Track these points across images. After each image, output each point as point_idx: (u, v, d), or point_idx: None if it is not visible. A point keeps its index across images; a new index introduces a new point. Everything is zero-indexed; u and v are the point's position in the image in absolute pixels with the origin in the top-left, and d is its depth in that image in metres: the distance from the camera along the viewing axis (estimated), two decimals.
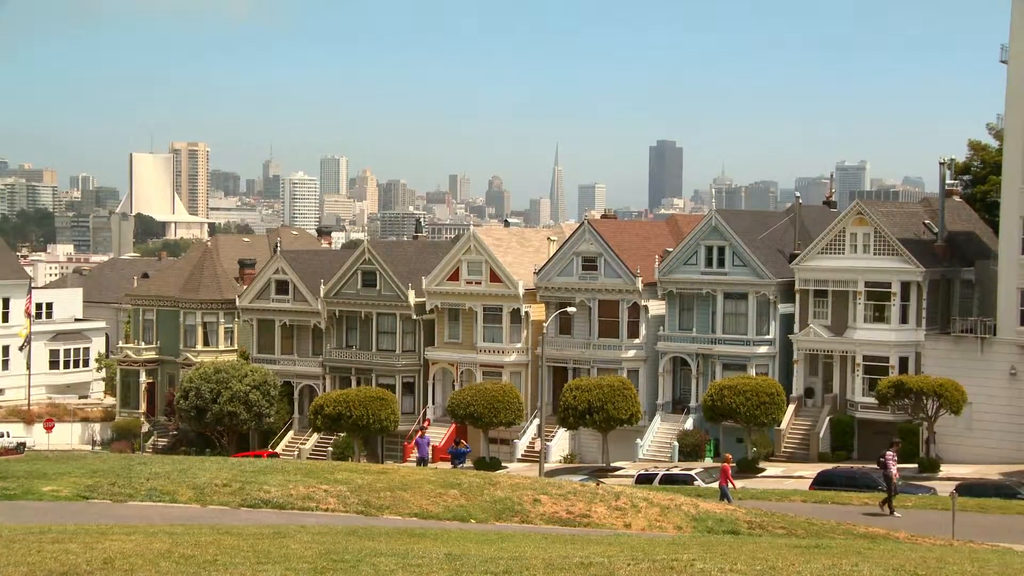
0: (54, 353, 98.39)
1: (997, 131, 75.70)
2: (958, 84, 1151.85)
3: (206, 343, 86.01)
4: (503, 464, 66.66)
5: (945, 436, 59.07)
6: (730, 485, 41.60)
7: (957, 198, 74.94)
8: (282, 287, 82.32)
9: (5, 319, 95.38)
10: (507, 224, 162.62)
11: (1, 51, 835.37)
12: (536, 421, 69.08)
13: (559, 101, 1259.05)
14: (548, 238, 79.71)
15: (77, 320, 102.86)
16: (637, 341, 71.26)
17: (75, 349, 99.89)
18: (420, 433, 56.54)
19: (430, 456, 55.85)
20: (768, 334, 67.96)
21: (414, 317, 76.58)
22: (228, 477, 30.37)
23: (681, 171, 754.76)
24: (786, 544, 23.09)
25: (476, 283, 74.86)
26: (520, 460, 69.84)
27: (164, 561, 16.26)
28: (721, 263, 68.93)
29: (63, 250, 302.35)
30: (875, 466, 42.91)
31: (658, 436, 68.88)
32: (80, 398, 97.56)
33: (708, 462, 64.80)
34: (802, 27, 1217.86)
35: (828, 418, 65.06)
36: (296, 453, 76.06)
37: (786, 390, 64.85)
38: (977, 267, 66.89)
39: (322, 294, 79.33)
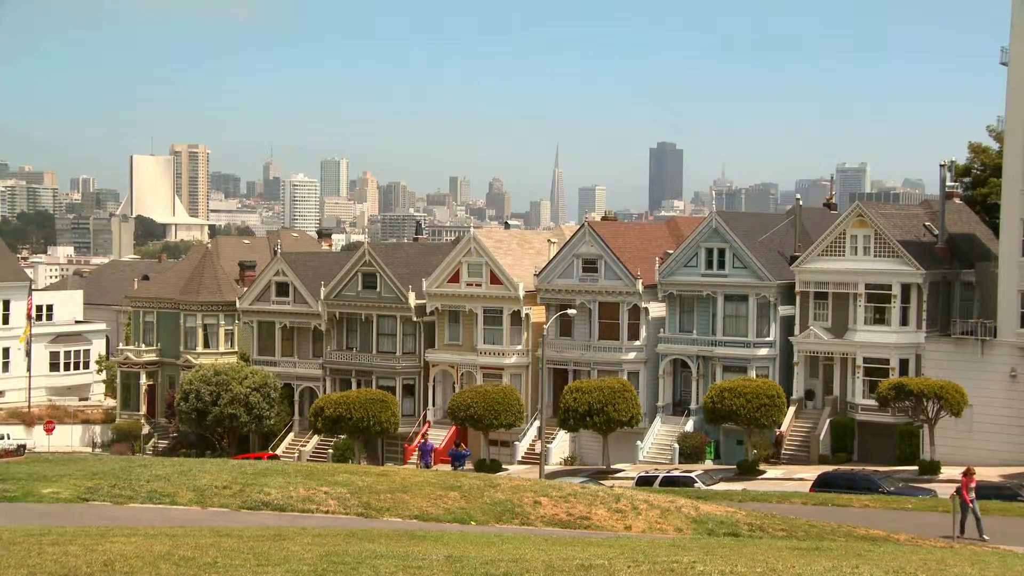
0: (54, 355, 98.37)
1: (997, 133, 75.66)
2: (958, 86, 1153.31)
3: (206, 345, 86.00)
4: (503, 466, 66.62)
5: (945, 438, 59.01)
6: (971, 501, 36.03)
7: (957, 200, 74.92)
8: (282, 289, 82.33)
9: (6, 321, 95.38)
10: (507, 226, 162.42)
11: (1, 52, 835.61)
12: (536, 423, 69.05)
13: (559, 102, 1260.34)
14: (548, 240, 79.68)
15: (77, 322, 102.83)
16: (637, 343, 71.23)
17: (75, 351, 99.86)
18: (424, 439, 56.66)
19: (432, 462, 55.94)
20: (768, 336, 67.95)
21: (414, 319, 76.57)
22: (228, 479, 30.36)
23: (681, 173, 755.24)
24: (786, 546, 23.08)
25: (476, 285, 74.85)
26: (520, 462, 69.80)
27: (164, 563, 16.25)
28: (721, 265, 68.92)
29: (63, 252, 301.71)
30: (875, 468, 42.76)
31: (658, 438, 68.86)
32: (80, 400, 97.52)
33: (709, 464, 64.87)
34: (803, 29, 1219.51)
35: (828, 420, 65.04)
36: (296, 455, 76.03)
37: (786, 392, 64.78)
38: (977, 269, 66.89)
39: (322, 296, 79.32)
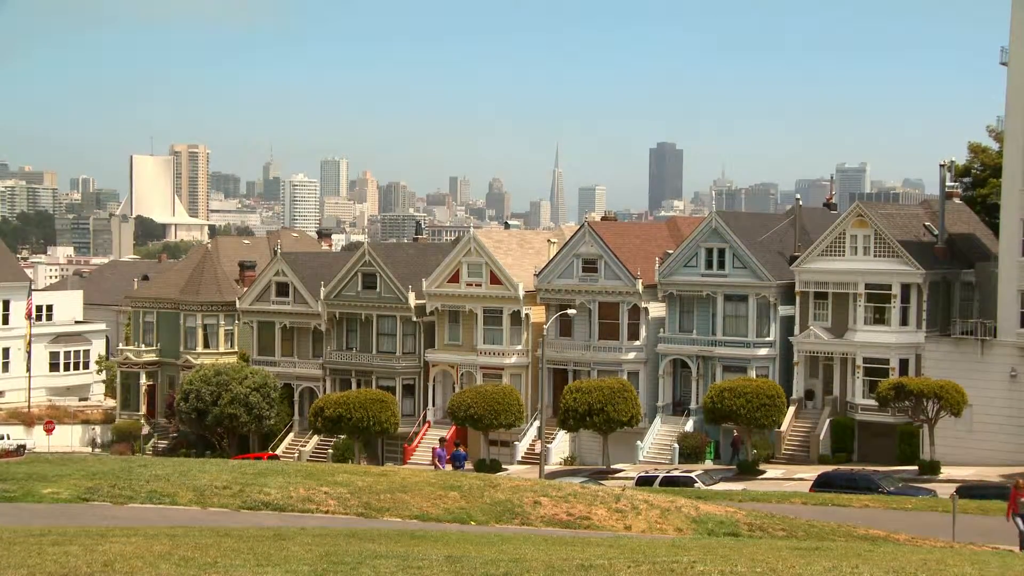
0: (54, 355, 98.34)
1: (997, 133, 75.67)
2: (958, 86, 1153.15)
3: (206, 345, 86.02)
4: (503, 466, 66.61)
5: (945, 438, 59.02)
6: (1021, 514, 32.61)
7: (957, 200, 74.95)
8: (282, 289, 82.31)
9: (5, 321, 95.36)
10: (507, 226, 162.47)
11: (1, 52, 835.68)
12: (536, 423, 69.06)
13: (559, 102, 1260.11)
14: (548, 240, 79.67)
15: (77, 322, 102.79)
16: (637, 343, 71.23)
17: (75, 351, 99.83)
18: (441, 446, 56.51)
19: (446, 467, 55.78)
20: (768, 336, 67.94)
21: (414, 319, 76.56)
22: (228, 479, 30.37)
23: (681, 173, 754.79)
24: (786, 546, 23.07)
25: (476, 285, 74.84)
26: (520, 462, 69.81)
27: (164, 563, 16.25)
28: (721, 265, 68.92)
29: (63, 252, 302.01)
30: (875, 468, 42.78)
31: (658, 438, 68.87)
32: (80, 400, 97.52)
33: (709, 464, 64.87)
34: (802, 28, 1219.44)
35: (828, 420, 65.04)
36: (296, 455, 76.03)
37: (786, 392, 64.80)
38: (977, 269, 66.89)
39: (322, 296, 79.32)
